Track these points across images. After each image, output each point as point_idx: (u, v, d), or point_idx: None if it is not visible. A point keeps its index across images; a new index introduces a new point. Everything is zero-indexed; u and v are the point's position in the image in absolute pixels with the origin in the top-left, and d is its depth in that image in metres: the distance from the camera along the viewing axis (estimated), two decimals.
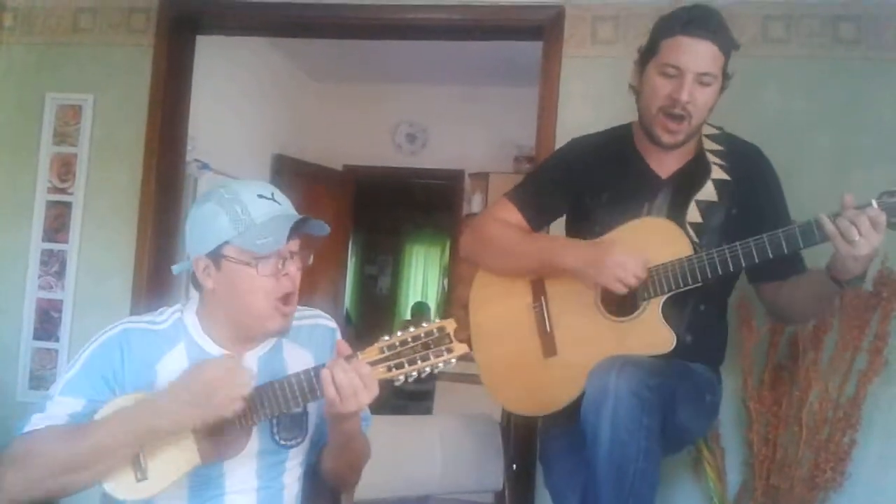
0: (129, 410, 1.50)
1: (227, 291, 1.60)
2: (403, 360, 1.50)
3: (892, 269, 2.39)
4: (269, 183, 1.67)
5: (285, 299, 1.60)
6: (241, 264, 1.56)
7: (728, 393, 2.51)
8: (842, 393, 2.43)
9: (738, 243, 1.83)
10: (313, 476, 1.80)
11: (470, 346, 2.16)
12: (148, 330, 1.65)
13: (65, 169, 3.27)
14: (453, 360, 1.50)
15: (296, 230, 1.58)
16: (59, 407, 1.55)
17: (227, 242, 1.56)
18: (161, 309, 1.71)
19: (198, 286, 1.65)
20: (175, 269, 1.74)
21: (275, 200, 1.60)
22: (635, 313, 1.93)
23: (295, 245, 1.61)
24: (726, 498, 2.45)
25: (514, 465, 2.41)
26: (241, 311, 1.60)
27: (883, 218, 1.67)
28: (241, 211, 1.56)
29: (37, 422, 1.54)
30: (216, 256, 1.58)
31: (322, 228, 1.63)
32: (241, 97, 5.23)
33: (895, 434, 2.54)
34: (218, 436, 1.55)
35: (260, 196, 1.59)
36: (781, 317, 2.18)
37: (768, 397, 2.47)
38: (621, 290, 1.88)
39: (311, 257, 1.65)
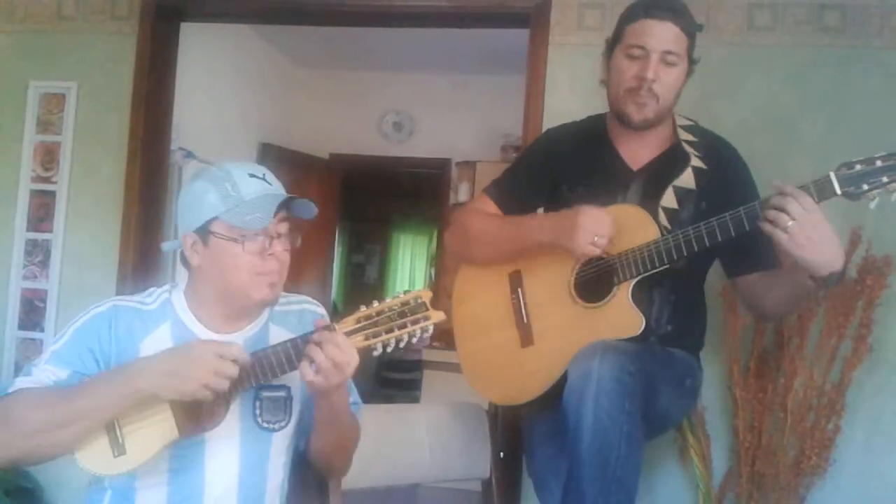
0: (110, 371, 1.53)
1: (213, 268, 1.61)
2: (381, 328, 1.52)
3: (877, 256, 2.40)
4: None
5: (273, 274, 1.61)
6: (228, 240, 1.58)
7: (714, 380, 2.53)
8: (826, 380, 2.45)
9: (702, 223, 1.84)
10: (300, 466, 1.79)
11: (451, 336, 2.18)
12: (136, 309, 1.66)
13: (48, 157, 3.25)
14: (430, 328, 1.53)
15: (283, 210, 1.59)
16: (45, 374, 1.55)
17: (215, 218, 1.58)
18: (150, 289, 1.72)
19: (186, 265, 1.66)
20: (164, 246, 1.75)
21: (265, 180, 1.62)
22: (606, 298, 1.94)
23: (283, 227, 1.62)
24: (711, 484, 2.46)
25: (502, 453, 2.41)
26: (227, 285, 1.61)
27: (805, 194, 1.66)
28: (230, 188, 1.57)
29: (20, 384, 1.54)
30: (204, 232, 1.60)
31: (310, 210, 1.64)
32: (226, 85, 5.20)
33: (879, 420, 2.57)
34: (196, 408, 1.55)
35: (251, 175, 1.61)
36: (757, 310, 2.18)
37: (754, 384, 2.48)
38: (594, 251, 1.88)
39: (300, 239, 1.66)
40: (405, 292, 1.56)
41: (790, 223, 1.66)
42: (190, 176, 4.11)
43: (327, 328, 1.53)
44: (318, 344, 1.51)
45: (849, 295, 2.41)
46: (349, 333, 1.52)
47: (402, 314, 1.52)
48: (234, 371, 1.49)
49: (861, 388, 2.50)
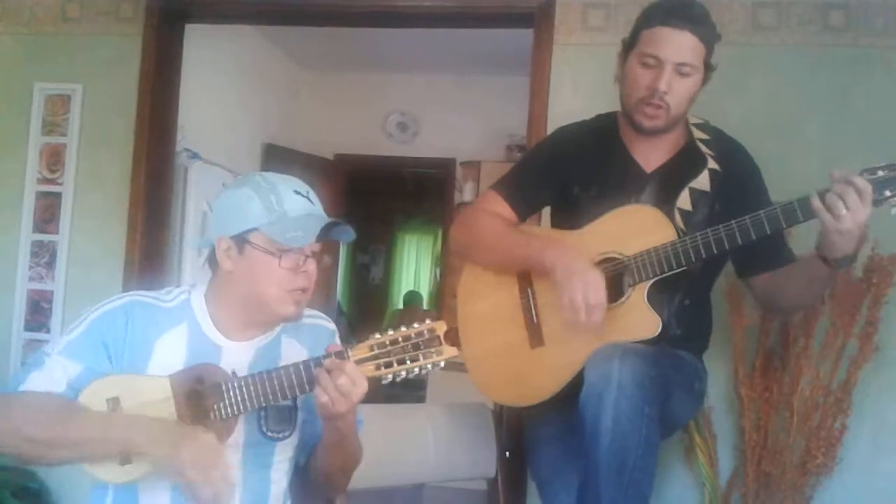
0: (118, 421, 1.52)
1: (245, 276, 1.61)
2: (393, 359, 1.52)
3: (883, 254, 2.40)
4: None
5: (300, 291, 1.62)
6: (265, 252, 1.58)
7: (719, 379, 2.53)
8: (833, 379, 2.44)
9: (721, 226, 1.83)
10: (305, 475, 1.80)
11: (458, 342, 2.18)
12: (154, 305, 1.66)
13: (54, 159, 3.26)
14: (441, 363, 1.53)
15: (325, 233, 1.60)
16: (58, 368, 1.56)
17: (255, 229, 1.58)
18: (168, 288, 1.72)
19: (213, 266, 1.66)
20: (199, 243, 1.74)
21: (309, 199, 1.63)
22: (621, 300, 1.93)
23: (317, 247, 1.64)
24: (718, 484, 2.46)
25: (507, 453, 2.41)
26: (255, 295, 1.61)
27: (869, 188, 1.67)
28: (275, 201, 1.58)
29: (34, 382, 1.55)
30: (241, 240, 1.60)
31: (349, 235, 1.66)
32: (230, 86, 5.20)
33: (886, 419, 2.56)
34: (204, 423, 1.55)
35: (296, 192, 1.61)
36: (774, 308, 2.19)
37: (759, 384, 2.48)
38: (570, 317, 1.86)
39: (326, 259, 1.69)
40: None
41: (844, 212, 1.67)
42: (194, 183, 4.16)
43: (339, 355, 1.53)
44: (329, 371, 1.51)
45: (855, 294, 2.41)
46: (360, 361, 1.52)
47: (415, 346, 1.52)
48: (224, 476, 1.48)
49: (867, 386, 2.49)
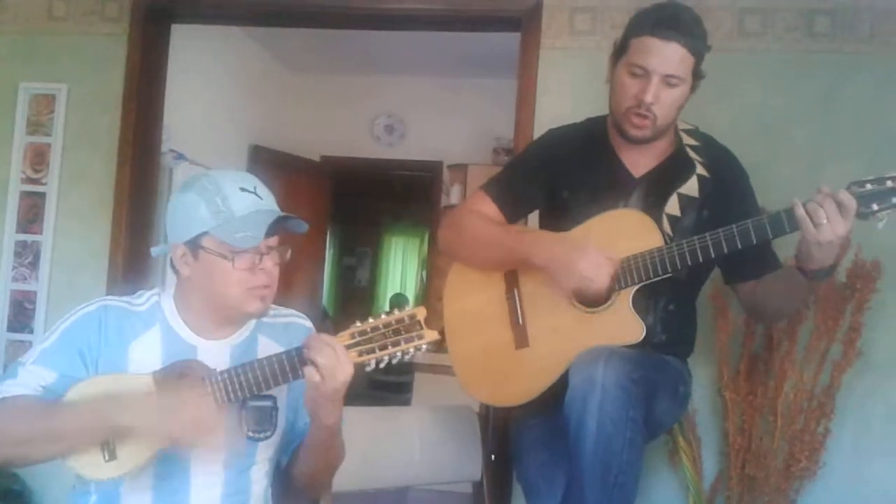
0: (100, 403, 1.50)
1: (204, 280, 1.60)
2: (374, 345, 1.53)
3: (866, 260, 2.41)
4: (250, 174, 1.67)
5: (261, 287, 1.61)
6: (217, 256, 1.57)
7: (704, 383, 2.53)
8: (816, 383, 2.46)
9: (707, 234, 1.84)
10: (286, 478, 1.79)
11: (443, 335, 2.18)
12: (126, 309, 1.65)
13: (38, 159, 3.24)
14: (423, 347, 1.54)
15: (275, 227, 1.58)
16: (32, 376, 1.55)
17: (205, 233, 1.57)
18: (139, 292, 1.71)
19: (175, 272, 1.65)
20: (154, 251, 1.74)
21: (256, 194, 1.60)
22: (606, 304, 1.93)
23: (273, 241, 1.62)
24: (702, 487, 2.47)
25: (493, 456, 2.41)
26: (217, 298, 1.61)
27: (853, 203, 1.68)
28: (221, 203, 1.56)
29: (8, 389, 1.54)
30: (194, 246, 1.59)
31: (300, 227, 1.63)
32: (217, 87, 5.19)
33: (869, 423, 2.58)
34: None
35: (242, 189, 1.59)
36: (759, 316, 2.21)
37: (744, 387, 2.49)
38: (590, 287, 1.87)
39: (290, 253, 1.65)
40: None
41: (823, 221, 1.68)
42: (180, 183, 4.14)
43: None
44: (317, 342, 1.51)
45: (838, 299, 2.43)
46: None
47: (396, 331, 1.53)
48: (217, 433, 1.49)
49: (850, 391, 2.51)
